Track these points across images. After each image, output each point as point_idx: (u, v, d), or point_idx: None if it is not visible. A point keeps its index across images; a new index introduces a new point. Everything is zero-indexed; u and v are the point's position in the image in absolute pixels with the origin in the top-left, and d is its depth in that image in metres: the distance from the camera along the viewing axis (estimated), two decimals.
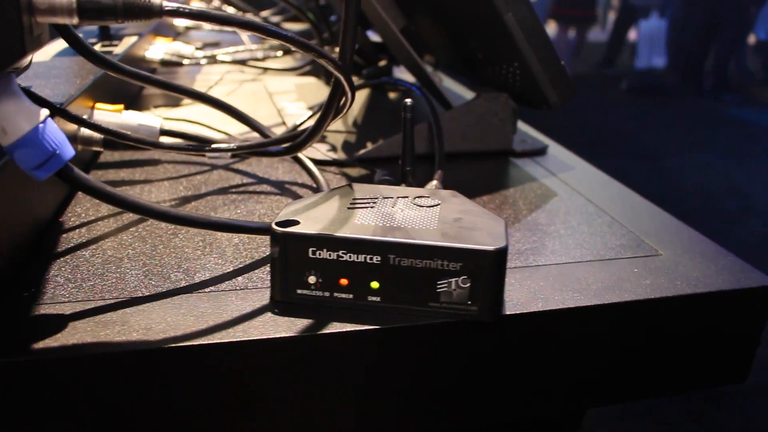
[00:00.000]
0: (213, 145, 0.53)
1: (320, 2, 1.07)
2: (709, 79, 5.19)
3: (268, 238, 0.38)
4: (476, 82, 0.73)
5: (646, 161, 3.50)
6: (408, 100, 0.47)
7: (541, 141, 0.73)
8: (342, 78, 0.42)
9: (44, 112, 0.35)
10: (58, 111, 0.48)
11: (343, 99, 0.45)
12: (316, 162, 0.61)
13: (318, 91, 0.94)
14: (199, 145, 0.54)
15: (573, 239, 0.49)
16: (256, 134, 0.64)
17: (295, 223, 0.37)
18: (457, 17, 0.66)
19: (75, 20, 0.33)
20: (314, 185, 0.56)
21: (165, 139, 0.60)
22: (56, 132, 0.35)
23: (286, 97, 0.90)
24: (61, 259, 0.43)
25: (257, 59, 1.12)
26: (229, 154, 0.55)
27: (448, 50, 0.79)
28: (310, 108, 0.83)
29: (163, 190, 0.55)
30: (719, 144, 3.91)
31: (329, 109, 0.46)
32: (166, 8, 0.34)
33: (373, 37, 1.04)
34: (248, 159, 0.63)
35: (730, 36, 5.01)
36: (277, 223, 0.37)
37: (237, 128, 0.71)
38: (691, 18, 5.08)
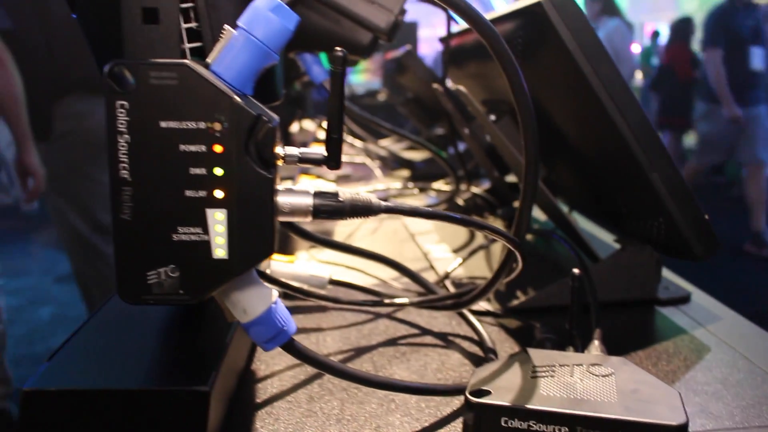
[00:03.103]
0: (387, 300, 0.58)
1: (458, 148, 1.15)
2: None
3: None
4: (618, 232, 0.76)
5: None
6: (576, 271, 0.51)
7: (684, 288, 0.75)
8: (517, 252, 0.47)
9: (274, 293, 0.41)
10: None
11: (516, 269, 0.49)
12: (472, 313, 0.66)
13: (456, 230, 0.99)
14: (377, 300, 0.60)
15: (737, 401, 0.50)
16: (406, 278, 0.69)
17: (488, 393, 0.41)
18: (601, 174, 0.71)
19: (309, 219, 0.40)
20: (476, 338, 0.60)
21: (333, 288, 0.66)
22: (284, 311, 0.41)
23: (427, 237, 0.96)
24: (262, 410, 0.48)
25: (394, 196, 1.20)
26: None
27: (587, 201, 0.82)
28: (455, 251, 0.88)
29: (337, 340, 0.61)
30: None
31: (498, 276, 0.51)
32: (384, 207, 0.40)
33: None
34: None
35: None
36: (471, 393, 0.41)
37: (389, 272, 0.76)
38: None
